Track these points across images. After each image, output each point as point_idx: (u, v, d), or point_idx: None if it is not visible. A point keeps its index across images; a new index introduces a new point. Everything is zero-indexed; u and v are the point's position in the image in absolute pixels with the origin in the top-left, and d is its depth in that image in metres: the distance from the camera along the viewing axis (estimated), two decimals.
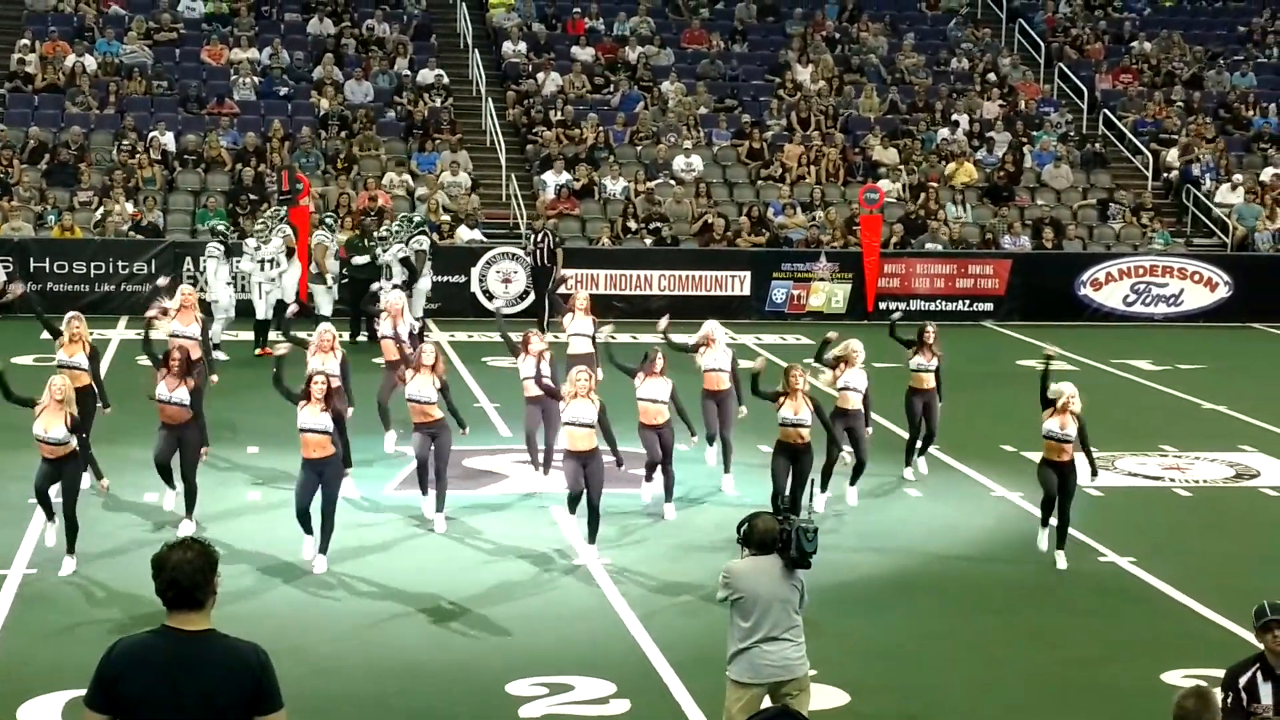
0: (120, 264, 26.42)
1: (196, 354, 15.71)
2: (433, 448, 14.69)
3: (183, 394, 14.05)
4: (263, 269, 23.24)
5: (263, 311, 23.23)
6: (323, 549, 13.44)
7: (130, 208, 27.41)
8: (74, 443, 13.07)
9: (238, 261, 23.62)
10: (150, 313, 16.71)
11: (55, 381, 13.14)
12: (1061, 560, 13.95)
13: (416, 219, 25.58)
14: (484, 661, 11.50)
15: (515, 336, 16.51)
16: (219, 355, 21.62)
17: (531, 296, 27.01)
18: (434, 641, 11.91)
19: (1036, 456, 16.96)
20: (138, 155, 28.80)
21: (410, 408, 14.80)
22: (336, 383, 15.16)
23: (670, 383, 15.11)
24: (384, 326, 17.56)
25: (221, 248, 23.16)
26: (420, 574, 13.44)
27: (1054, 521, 14.06)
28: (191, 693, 5.62)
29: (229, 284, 23.25)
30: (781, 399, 14.25)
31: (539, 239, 26.52)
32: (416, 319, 21.59)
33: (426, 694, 10.90)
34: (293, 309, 22.16)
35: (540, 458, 16.21)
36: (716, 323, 16.95)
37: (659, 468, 15.22)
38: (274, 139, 29.28)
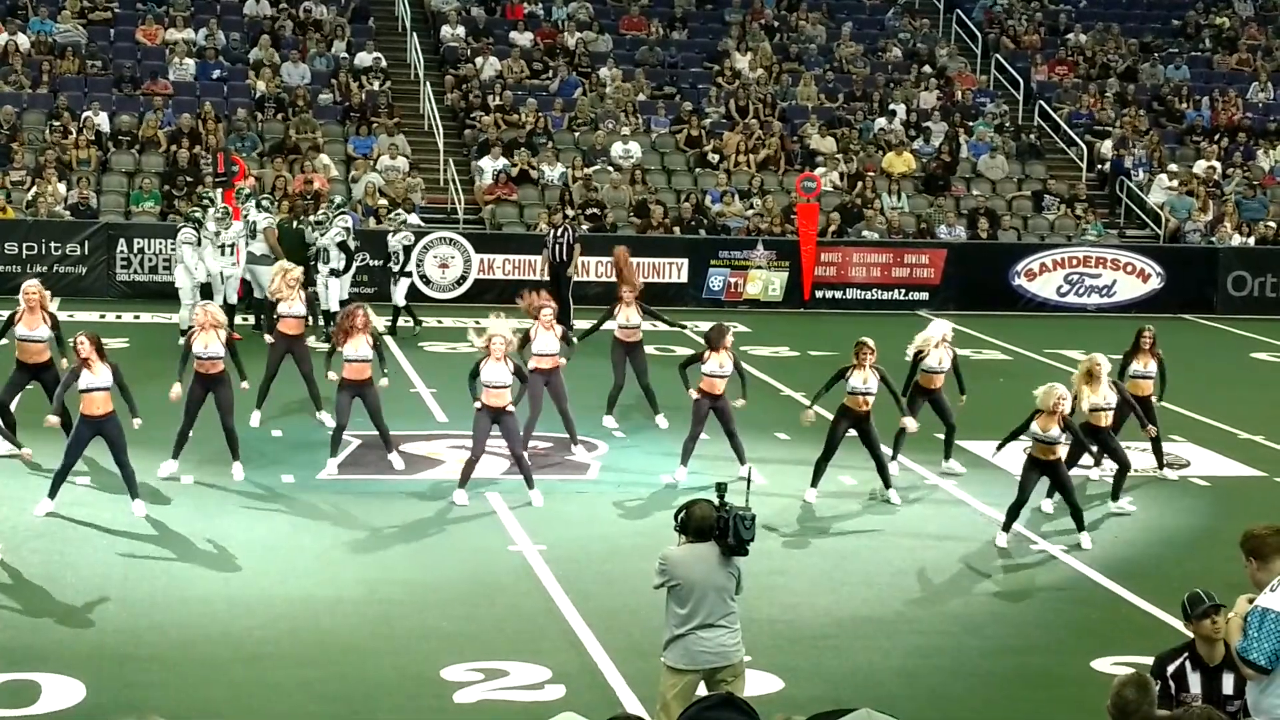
0: (53, 245, 26.16)
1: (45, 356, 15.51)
2: (364, 405, 15.38)
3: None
4: (223, 253, 22.81)
5: (226, 297, 22.76)
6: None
7: (63, 188, 27.11)
8: None
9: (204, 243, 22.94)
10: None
11: None
12: (1087, 541, 14.37)
13: (338, 200, 25.05)
14: (418, 646, 11.48)
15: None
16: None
17: (469, 283, 26.93)
18: (368, 627, 11.86)
19: (969, 444, 17.14)
20: (71, 135, 28.49)
21: (347, 368, 15.37)
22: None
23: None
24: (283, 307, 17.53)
25: (195, 234, 22.60)
26: (354, 559, 13.39)
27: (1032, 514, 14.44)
28: None
29: (199, 270, 22.71)
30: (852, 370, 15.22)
31: (559, 234, 25.21)
32: (341, 301, 21.56)
33: (359, 680, 10.85)
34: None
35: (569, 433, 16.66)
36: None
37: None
38: (208, 120, 29.03)
